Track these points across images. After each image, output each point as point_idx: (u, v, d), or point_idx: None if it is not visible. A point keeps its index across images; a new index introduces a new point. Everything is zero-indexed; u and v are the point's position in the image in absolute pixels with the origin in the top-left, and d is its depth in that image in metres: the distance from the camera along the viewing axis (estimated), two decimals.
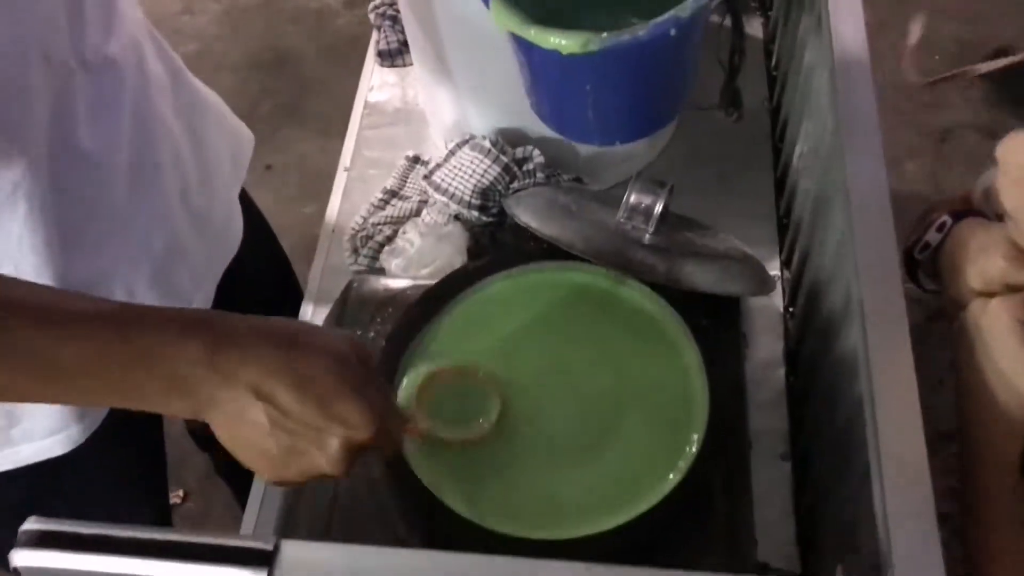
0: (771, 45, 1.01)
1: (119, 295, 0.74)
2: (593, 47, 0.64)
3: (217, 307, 0.84)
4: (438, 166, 0.86)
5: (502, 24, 0.66)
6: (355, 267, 0.88)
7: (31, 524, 0.46)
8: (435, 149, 0.96)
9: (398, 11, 1.03)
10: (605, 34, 0.64)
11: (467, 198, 0.83)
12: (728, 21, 0.85)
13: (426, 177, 0.86)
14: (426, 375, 0.66)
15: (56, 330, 0.48)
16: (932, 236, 0.67)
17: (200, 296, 0.82)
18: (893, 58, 2.00)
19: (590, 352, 0.70)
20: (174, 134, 0.77)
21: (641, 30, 0.63)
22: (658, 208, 0.74)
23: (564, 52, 0.64)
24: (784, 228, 0.89)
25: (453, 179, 0.84)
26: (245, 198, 0.94)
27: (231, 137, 0.90)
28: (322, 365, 0.51)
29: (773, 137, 0.95)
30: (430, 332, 0.72)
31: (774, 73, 0.99)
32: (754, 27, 1.05)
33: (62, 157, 0.65)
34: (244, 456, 0.52)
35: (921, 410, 0.48)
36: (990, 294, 0.60)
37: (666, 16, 0.64)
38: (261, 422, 0.50)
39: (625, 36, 0.63)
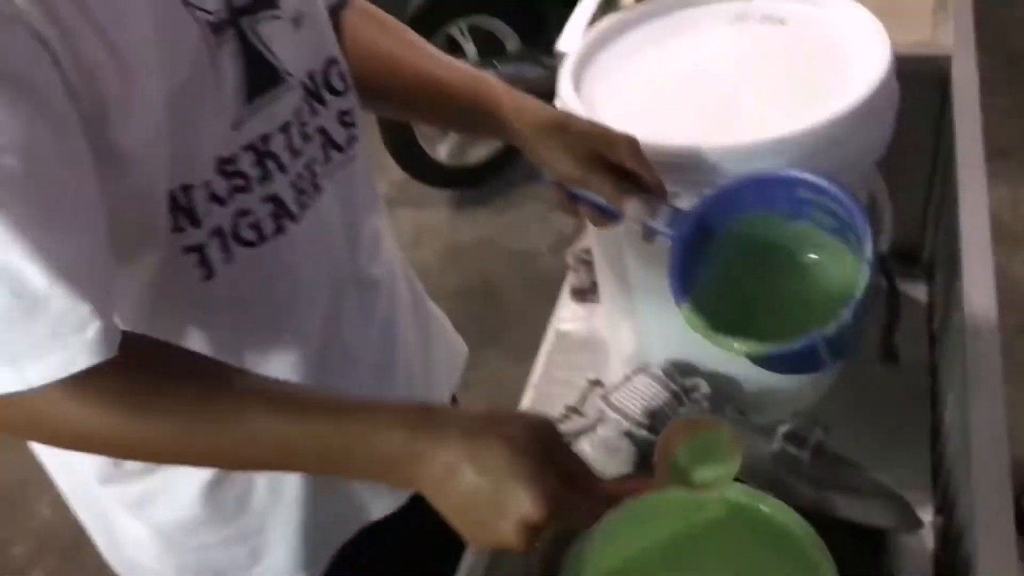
0: (933, 308, 1.10)
1: None
2: (761, 351, 0.72)
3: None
4: (615, 388, 0.99)
5: (692, 327, 0.75)
6: None
7: None
8: (614, 375, 1.09)
9: (592, 258, 1.21)
10: (770, 345, 0.72)
11: (637, 417, 0.94)
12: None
13: (603, 397, 0.98)
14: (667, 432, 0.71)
15: (290, 417, 0.63)
16: None
17: None
18: None
19: (734, 568, 0.77)
20: (409, 342, 0.95)
21: (797, 343, 0.70)
22: (812, 441, 0.82)
23: (737, 354, 0.74)
24: (939, 475, 0.93)
25: (627, 400, 0.95)
26: (454, 401, 1.11)
27: (449, 347, 1.07)
28: (501, 454, 0.60)
29: (933, 389, 1.01)
30: (590, 532, 0.81)
31: (935, 334, 1.07)
32: (919, 291, 1.14)
33: (328, 354, 0.83)
34: (451, 520, 0.63)
35: None
36: None
37: (813, 334, 0.70)
38: (454, 498, 0.61)
39: (784, 346, 0.71)
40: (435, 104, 0.89)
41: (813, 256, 0.76)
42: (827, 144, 0.77)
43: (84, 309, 0.58)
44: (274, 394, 0.65)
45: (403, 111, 0.99)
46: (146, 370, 0.64)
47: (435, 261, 2.62)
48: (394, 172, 2.71)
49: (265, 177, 0.72)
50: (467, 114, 0.87)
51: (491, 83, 0.86)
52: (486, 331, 2.38)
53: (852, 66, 0.83)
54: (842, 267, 0.74)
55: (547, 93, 0.94)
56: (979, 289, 0.76)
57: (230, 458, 0.68)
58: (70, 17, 0.57)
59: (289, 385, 0.67)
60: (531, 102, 0.84)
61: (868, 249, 0.69)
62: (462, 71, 0.88)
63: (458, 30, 2.76)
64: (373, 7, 0.92)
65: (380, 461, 0.62)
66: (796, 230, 0.76)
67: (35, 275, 0.56)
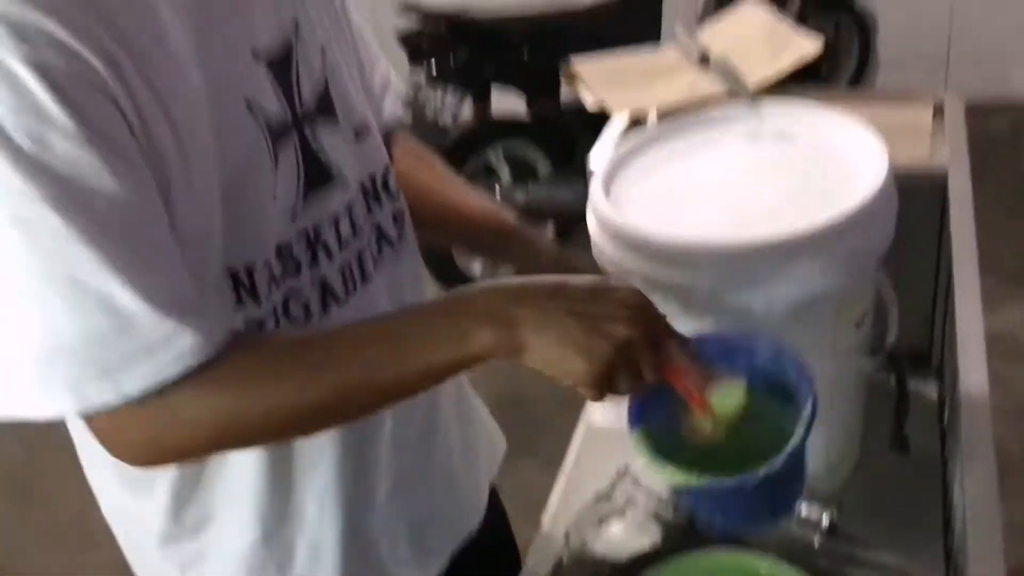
0: (943, 406, 1.16)
1: (384, 544, 0.95)
2: (693, 483, 0.76)
3: (450, 570, 1.02)
4: (644, 471, 1.05)
5: (637, 452, 0.81)
6: (564, 553, 1.05)
7: None
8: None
9: None
10: (701, 479, 0.76)
11: (665, 499, 1.00)
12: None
13: (633, 481, 1.04)
14: None
15: (399, 321, 0.77)
16: None
17: (441, 555, 1.01)
18: None
19: None
20: (451, 425, 1.03)
21: (728, 480, 0.75)
22: (825, 520, 0.88)
23: (673, 484, 0.81)
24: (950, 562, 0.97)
25: (654, 482, 1.01)
26: (493, 491, 1.16)
27: (490, 437, 1.16)
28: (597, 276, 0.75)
29: (944, 479, 1.06)
30: None
31: (945, 430, 1.12)
32: (931, 389, 1.20)
33: (372, 434, 0.90)
34: (561, 360, 0.71)
35: None
36: None
37: (745, 475, 0.74)
38: (559, 315, 0.69)
39: (716, 483, 0.76)
40: (461, 232, 1.07)
41: (764, 412, 0.80)
42: (832, 241, 0.86)
43: (168, 325, 0.68)
44: (383, 322, 0.79)
45: (433, 235, 1.11)
46: (251, 347, 0.73)
47: (466, 371, 2.69)
48: (431, 286, 2.84)
49: (314, 262, 0.82)
50: (486, 243, 1.06)
51: (508, 219, 1.04)
52: (516, 441, 2.42)
53: (855, 176, 0.93)
54: (789, 424, 0.77)
55: (577, 212, 1.05)
56: (975, 390, 0.83)
57: (357, 380, 0.74)
58: (145, 100, 0.67)
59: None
60: (539, 238, 1.02)
61: (806, 412, 0.76)
62: (485, 205, 1.05)
63: (493, 155, 2.94)
64: (413, 140, 1.07)
65: (479, 315, 0.72)
66: (751, 386, 0.80)
67: (124, 297, 0.66)
